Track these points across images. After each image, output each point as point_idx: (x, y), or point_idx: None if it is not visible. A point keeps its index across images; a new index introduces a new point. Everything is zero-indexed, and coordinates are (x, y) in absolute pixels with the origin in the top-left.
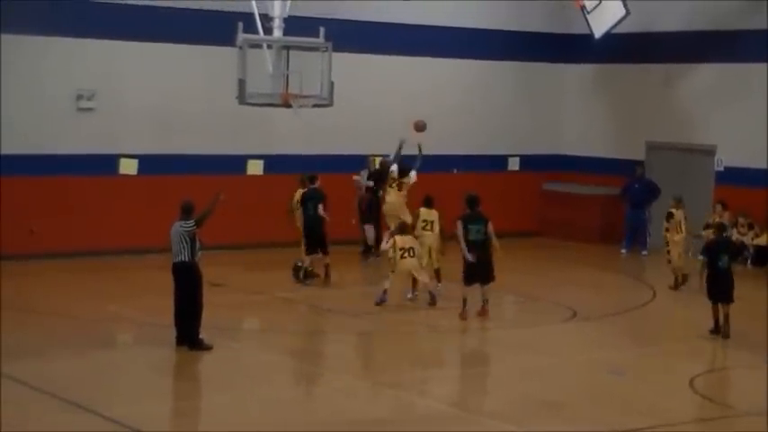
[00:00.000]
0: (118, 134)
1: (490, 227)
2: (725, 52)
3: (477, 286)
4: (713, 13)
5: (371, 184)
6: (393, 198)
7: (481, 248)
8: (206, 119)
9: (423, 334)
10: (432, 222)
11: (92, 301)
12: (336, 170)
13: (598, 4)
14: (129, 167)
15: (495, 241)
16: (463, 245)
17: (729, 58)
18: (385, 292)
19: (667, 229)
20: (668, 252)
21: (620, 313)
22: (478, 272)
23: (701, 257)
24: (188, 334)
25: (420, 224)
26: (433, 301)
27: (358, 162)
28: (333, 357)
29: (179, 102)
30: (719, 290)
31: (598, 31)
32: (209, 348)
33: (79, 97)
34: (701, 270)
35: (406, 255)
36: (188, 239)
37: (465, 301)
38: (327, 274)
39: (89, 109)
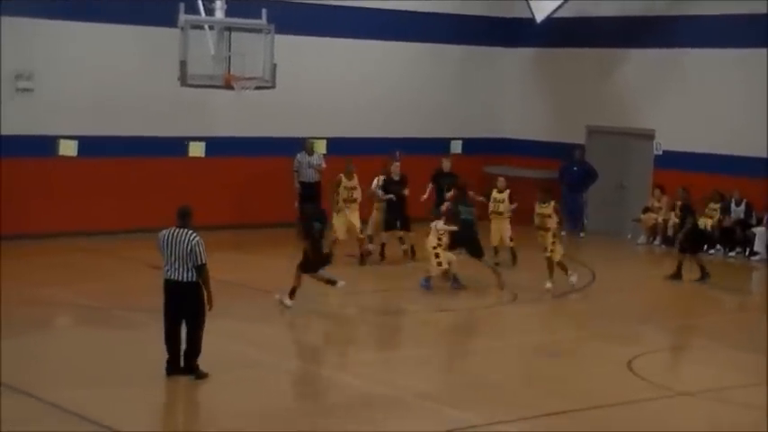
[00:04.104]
0: (57, 115)
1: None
2: (663, 37)
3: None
4: None
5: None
6: None
7: (470, 227)
8: (147, 100)
9: (361, 316)
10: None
11: (27, 284)
12: (277, 153)
13: None
14: (68, 149)
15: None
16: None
17: (667, 43)
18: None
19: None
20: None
21: (559, 296)
22: (469, 247)
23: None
24: (186, 363)
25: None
26: None
27: (298, 145)
28: (273, 340)
29: (120, 83)
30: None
31: (539, 15)
32: (205, 376)
33: (18, 77)
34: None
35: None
36: (199, 252)
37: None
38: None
39: (27, 89)
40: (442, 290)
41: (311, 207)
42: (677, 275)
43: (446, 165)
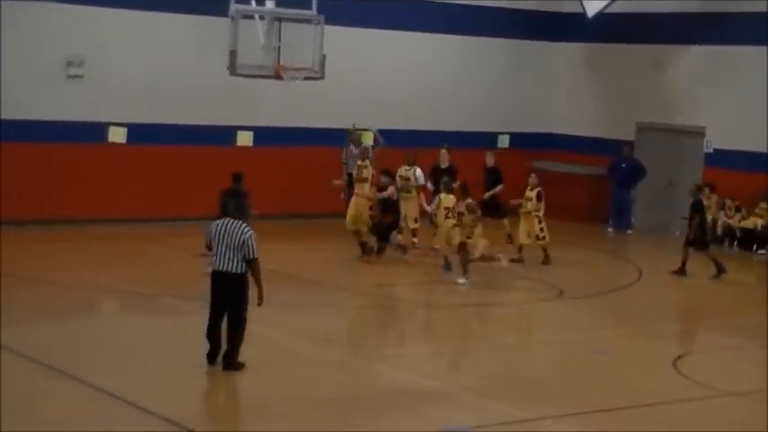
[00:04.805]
0: (107, 102)
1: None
2: (716, 34)
3: None
4: None
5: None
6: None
7: None
8: (196, 89)
9: (405, 308)
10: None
11: (78, 269)
12: (324, 143)
13: None
14: (117, 136)
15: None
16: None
17: (720, 40)
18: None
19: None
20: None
21: (606, 293)
22: None
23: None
24: (226, 355)
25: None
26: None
27: (345, 136)
28: (317, 331)
29: (169, 71)
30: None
31: (591, 10)
32: (242, 367)
33: (69, 64)
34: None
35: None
36: (251, 246)
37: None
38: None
39: (78, 76)
40: (488, 285)
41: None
42: (681, 271)
43: (444, 160)
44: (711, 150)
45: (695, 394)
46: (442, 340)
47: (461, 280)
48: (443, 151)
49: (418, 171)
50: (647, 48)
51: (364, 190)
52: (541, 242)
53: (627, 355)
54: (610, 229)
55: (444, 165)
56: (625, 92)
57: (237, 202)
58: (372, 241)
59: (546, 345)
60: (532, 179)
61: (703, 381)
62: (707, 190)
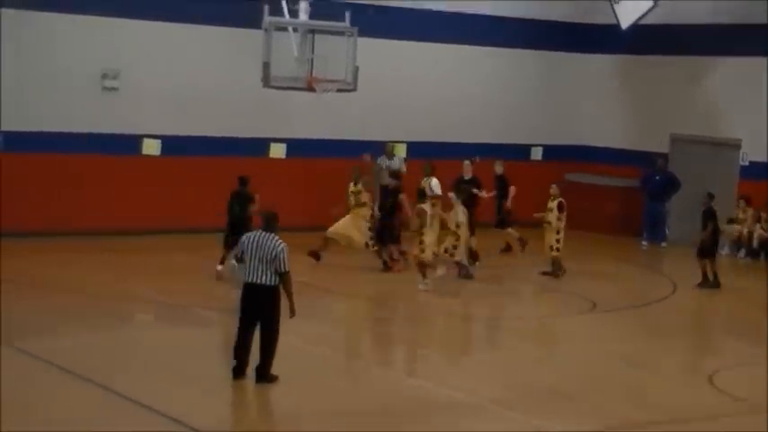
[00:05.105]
0: (141, 114)
1: None
2: (751, 46)
3: None
4: (740, 6)
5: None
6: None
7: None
8: (229, 101)
9: (438, 320)
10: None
11: (111, 280)
12: (356, 155)
13: None
14: (151, 148)
15: None
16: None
17: (756, 51)
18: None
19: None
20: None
21: (640, 306)
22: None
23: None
24: (260, 368)
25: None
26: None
27: (379, 148)
28: (346, 343)
29: (203, 84)
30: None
31: (625, 21)
32: (276, 379)
33: (104, 76)
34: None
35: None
36: (283, 260)
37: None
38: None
39: (113, 88)
40: (521, 298)
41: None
42: (705, 283)
43: (467, 171)
44: (747, 163)
45: (731, 410)
46: (472, 352)
47: (421, 286)
48: (467, 162)
49: (434, 181)
50: (681, 59)
51: (361, 213)
52: (554, 253)
53: (661, 369)
54: (644, 242)
55: (468, 176)
56: (659, 103)
57: (269, 215)
58: (389, 252)
59: (578, 357)
60: (554, 189)
61: (740, 396)
62: (742, 202)
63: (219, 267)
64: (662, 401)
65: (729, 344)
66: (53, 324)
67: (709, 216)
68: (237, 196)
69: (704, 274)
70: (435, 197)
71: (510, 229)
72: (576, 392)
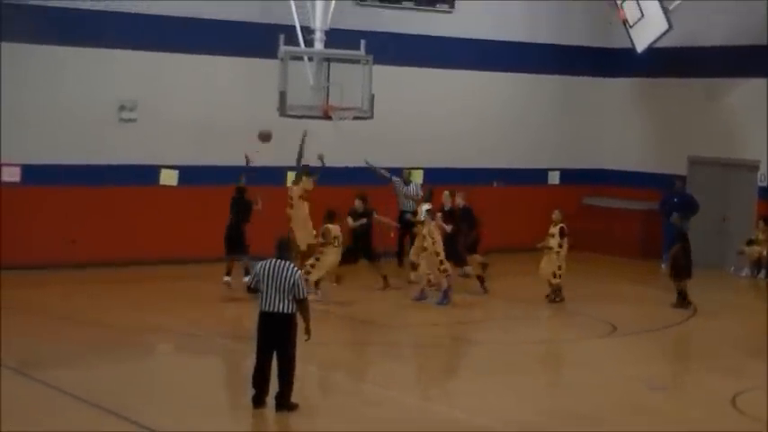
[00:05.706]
0: (159, 145)
1: None
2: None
3: None
4: (756, 28)
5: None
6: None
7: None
8: (247, 130)
9: (456, 345)
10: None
11: (132, 310)
12: (376, 183)
13: (641, 18)
14: (169, 178)
15: None
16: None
17: None
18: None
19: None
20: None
21: (660, 329)
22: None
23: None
24: (279, 396)
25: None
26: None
27: (396, 175)
28: (369, 369)
29: (220, 113)
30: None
31: (640, 45)
32: (296, 407)
33: (121, 108)
34: None
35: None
36: (301, 287)
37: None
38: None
39: (131, 120)
40: (541, 322)
41: None
42: (683, 304)
43: (447, 202)
44: (765, 184)
45: None
46: (495, 377)
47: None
48: (446, 193)
49: (423, 207)
50: (698, 81)
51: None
52: (555, 280)
53: (683, 392)
54: (663, 265)
55: (447, 206)
56: (676, 126)
57: (282, 241)
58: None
59: (600, 381)
60: (556, 215)
61: (763, 417)
62: (761, 223)
63: (226, 278)
64: (685, 424)
65: (752, 366)
66: (78, 357)
67: (680, 237)
68: (236, 204)
69: (681, 295)
70: (420, 222)
71: (467, 268)
72: (600, 415)
